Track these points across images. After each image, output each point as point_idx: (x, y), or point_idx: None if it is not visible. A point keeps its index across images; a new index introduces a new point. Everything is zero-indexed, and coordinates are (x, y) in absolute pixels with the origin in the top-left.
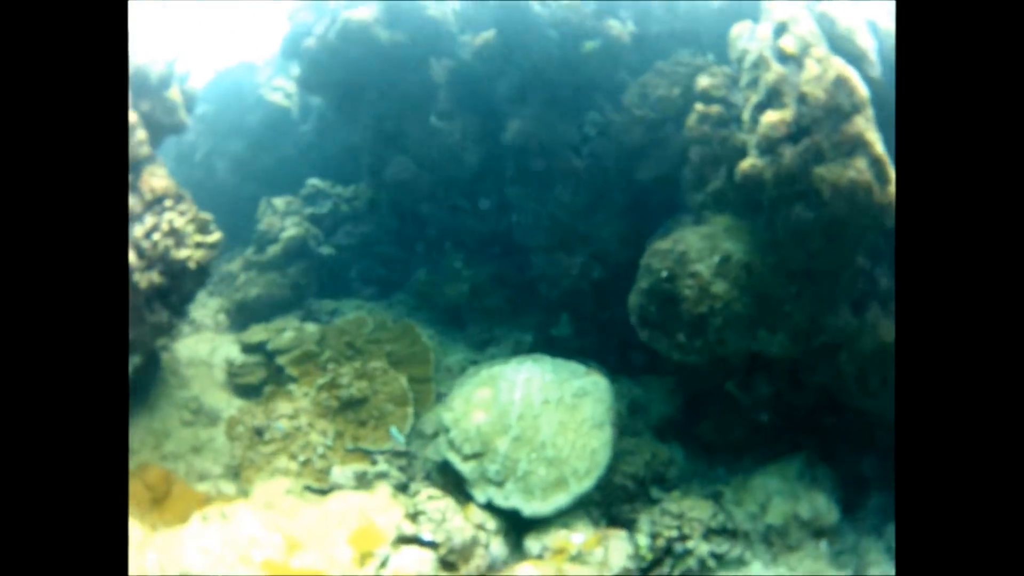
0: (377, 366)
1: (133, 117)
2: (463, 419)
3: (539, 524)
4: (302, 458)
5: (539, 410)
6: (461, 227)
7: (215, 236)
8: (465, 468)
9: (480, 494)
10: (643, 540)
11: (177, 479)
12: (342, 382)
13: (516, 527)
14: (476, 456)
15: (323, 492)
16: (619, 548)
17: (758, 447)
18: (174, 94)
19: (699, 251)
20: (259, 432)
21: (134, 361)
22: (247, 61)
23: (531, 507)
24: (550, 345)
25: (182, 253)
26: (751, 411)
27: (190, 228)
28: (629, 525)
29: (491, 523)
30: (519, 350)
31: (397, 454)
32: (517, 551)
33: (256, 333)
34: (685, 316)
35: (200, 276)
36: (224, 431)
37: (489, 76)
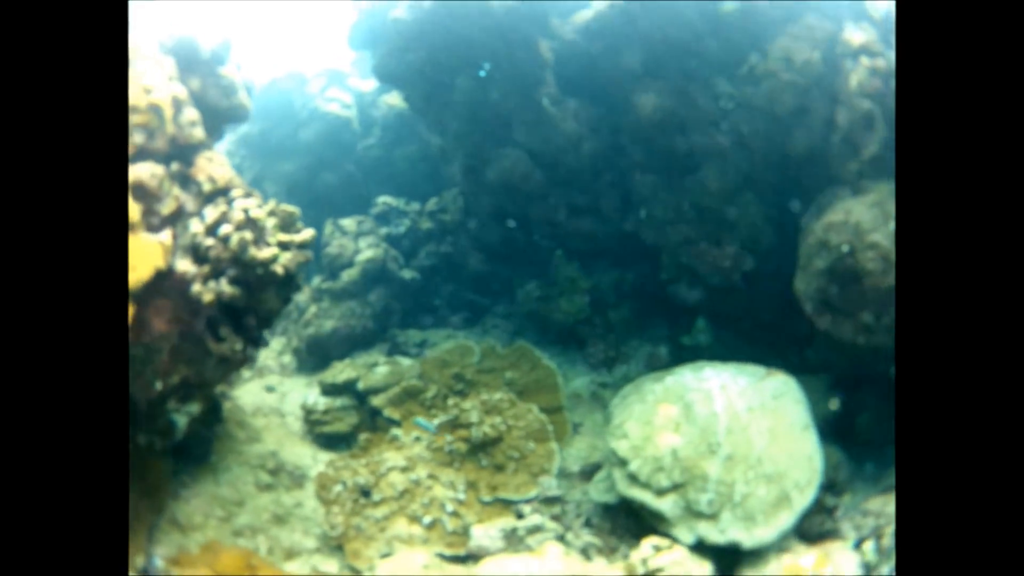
0: (501, 398)
1: (181, 91)
2: (646, 446)
3: (754, 556)
4: (427, 519)
5: (747, 420)
6: (576, 231)
7: (306, 233)
8: (663, 504)
9: (686, 533)
10: (868, 545)
11: (261, 561)
12: (470, 419)
13: (725, 564)
14: (676, 488)
15: (463, 560)
16: (847, 559)
17: None
18: (231, 72)
19: (872, 221)
20: (365, 491)
21: (190, 410)
22: (295, 71)
23: (754, 537)
24: (684, 356)
25: (264, 253)
26: None
27: (271, 222)
28: (827, 536)
29: (707, 567)
30: (654, 365)
31: (546, 500)
32: None
33: (341, 371)
34: (870, 293)
35: (287, 288)
36: (314, 493)
37: (604, 52)
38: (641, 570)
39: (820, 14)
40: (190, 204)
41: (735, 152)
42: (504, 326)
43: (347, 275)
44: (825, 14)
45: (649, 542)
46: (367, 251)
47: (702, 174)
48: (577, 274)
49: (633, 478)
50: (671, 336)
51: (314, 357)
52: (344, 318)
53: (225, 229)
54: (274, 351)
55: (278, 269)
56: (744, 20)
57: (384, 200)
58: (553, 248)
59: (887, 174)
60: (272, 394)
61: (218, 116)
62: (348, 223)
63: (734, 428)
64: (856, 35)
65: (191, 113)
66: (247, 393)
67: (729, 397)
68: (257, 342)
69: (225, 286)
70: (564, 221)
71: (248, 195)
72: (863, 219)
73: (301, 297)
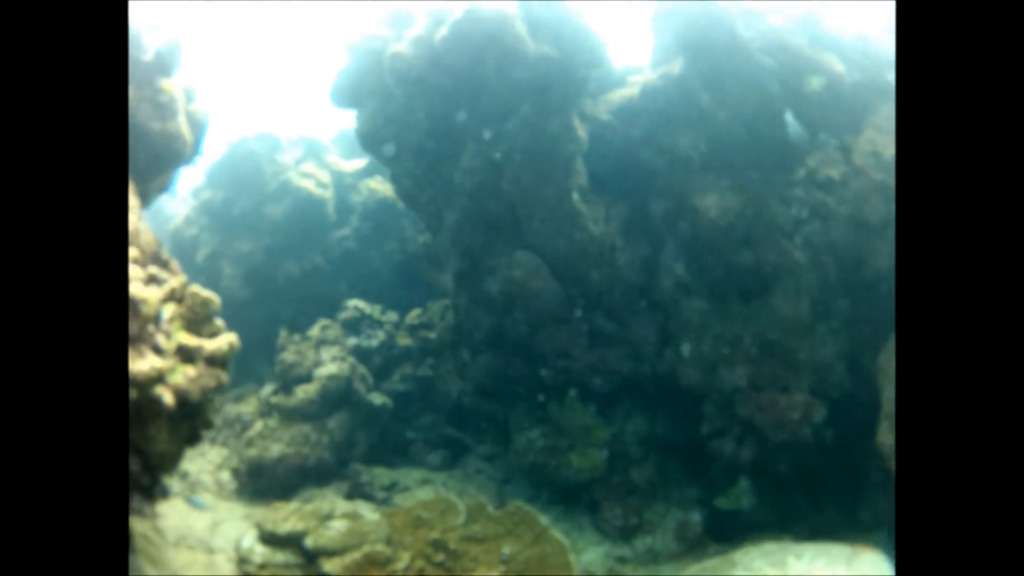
0: None
1: None
2: None
3: None
4: None
5: None
6: (598, 366)
7: (223, 340)
8: None
9: None
10: None
11: None
12: None
13: None
14: None
15: None
16: None
17: None
18: (173, 88)
19: None
20: None
21: None
22: (268, 133)
23: None
24: (721, 524)
25: (141, 366)
26: None
27: (171, 312)
28: None
29: None
30: (686, 536)
31: None
32: None
33: (285, 517)
34: None
35: (187, 423)
36: None
37: (649, 137)
38: None
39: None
40: None
41: (809, 271)
42: (490, 472)
43: (303, 391)
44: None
45: None
46: (330, 365)
47: (773, 299)
48: (594, 421)
49: None
50: (704, 498)
51: (257, 483)
52: (295, 444)
53: None
54: (212, 463)
55: (165, 396)
56: (830, 103)
57: (355, 304)
58: (564, 386)
59: None
60: (203, 519)
61: (147, 143)
62: (311, 327)
63: None
64: None
65: None
66: (174, 511)
67: None
68: (149, 492)
69: None
70: (583, 353)
71: (159, 262)
72: None
73: (246, 408)
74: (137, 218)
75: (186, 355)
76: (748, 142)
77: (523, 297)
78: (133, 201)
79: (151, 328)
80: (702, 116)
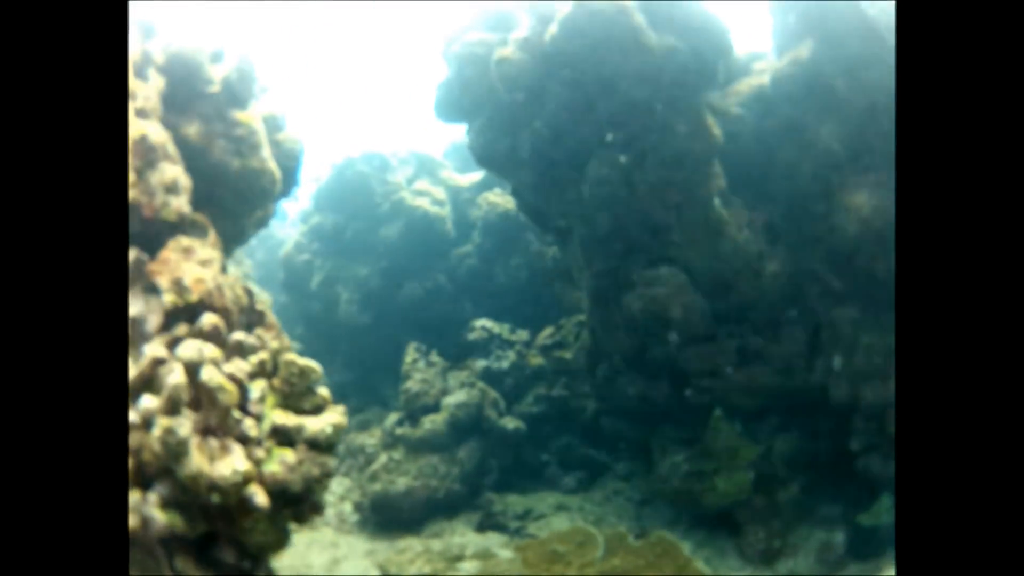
0: None
1: (156, 133)
2: None
3: None
4: None
5: None
6: (745, 385)
7: (329, 419)
8: None
9: None
10: None
11: None
12: None
13: None
14: None
15: None
16: None
17: None
18: (251, 119)
19: None
20: None
21: None
22: (374, 152)
23: None
24: (862, 541)
25: (222, 470)
26: None
27: (260, 389)
28: None
29: None
30: (827, 559)
31: None
32: None
33: (411, 559)
34: None
35: (297, 508)
36: None
37: (785, 130)
38: None
39: None
40: (152, 320)
41: None
42: (628, 493)
43: (430, 421)
44: None
45: None
46: (458, 393)
47: None
48: (740, 442)
49: None
50: (847, 515)
51: (381, 517)
52: (423, 477)
53: (149, 404)
54: (333, 494)
55: (256, 497)
56: None
57: (483, 324)
58: (709, 406)
59: None
60: (323, 555)
61: (227, 183)
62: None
63: None
64: None
65: (169, 171)
66: (288, 551)
67: None
68: (250, 574)
69: (155, 510)
70: (731, 371)
71: (252, 315)
72: None
73: (369, 439)
74: (217, 272)
75: (283, 437)
76: (891, 131)
77: (666, 315)
78: (213, 254)
79: (235, 415)
80: (840, 104)
